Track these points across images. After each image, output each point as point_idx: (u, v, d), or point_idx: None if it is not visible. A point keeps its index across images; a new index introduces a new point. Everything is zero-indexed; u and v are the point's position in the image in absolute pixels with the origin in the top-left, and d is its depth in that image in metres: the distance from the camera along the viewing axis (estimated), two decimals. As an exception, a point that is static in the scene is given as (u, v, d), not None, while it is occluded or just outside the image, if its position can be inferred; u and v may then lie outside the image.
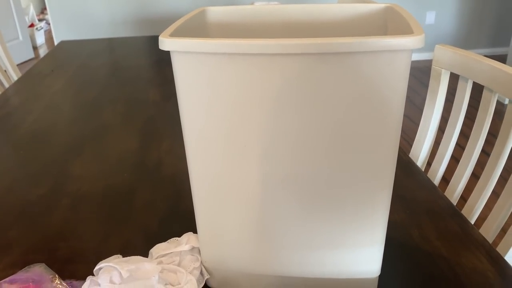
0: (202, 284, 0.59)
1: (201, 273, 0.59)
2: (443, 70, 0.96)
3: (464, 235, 0.72)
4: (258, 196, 0.53)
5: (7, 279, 0.61)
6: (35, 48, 4.89)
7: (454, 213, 0.77)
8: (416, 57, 4.23)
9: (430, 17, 4.11)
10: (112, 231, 0.74)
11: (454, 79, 0.96)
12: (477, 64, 0.86)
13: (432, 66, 0.98)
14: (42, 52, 4.87)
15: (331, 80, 0.45)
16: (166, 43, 0.46)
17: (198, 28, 0.61)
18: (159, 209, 0.80)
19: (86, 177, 0.91)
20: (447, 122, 1.00)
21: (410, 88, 3.55)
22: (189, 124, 0.51)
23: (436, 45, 0.96)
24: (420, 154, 1.05)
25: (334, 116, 0.47)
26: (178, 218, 0.77)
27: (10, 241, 0.72)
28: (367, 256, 0.55)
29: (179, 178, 0.90)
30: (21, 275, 0.62)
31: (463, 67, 0.90)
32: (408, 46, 0.43)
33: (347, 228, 0.53)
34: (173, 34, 0.49)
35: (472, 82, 0.92)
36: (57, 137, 1.09)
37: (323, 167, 0.50)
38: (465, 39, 4.21)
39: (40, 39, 5.05)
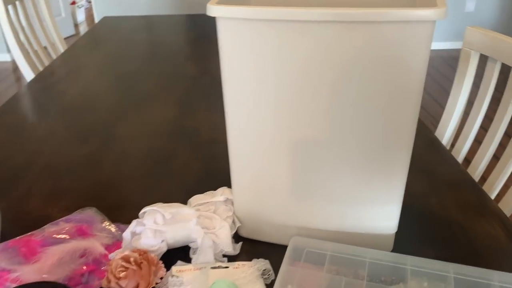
0: (234, 231, 0.65)
1: (233, 221, 0.66)
2: (472, 52, 0.99)
3: (481, 205, 0.76)
4: (289, 153, 0.59)
5: (63, 218, 0.70)
6: (76, 25, 5.05)
7: (474, 186, 0.81)
8: (454, 45, 4.15)
9: (470, 5, 4.02)
10: (153, 185, 0.82)
11: (481, 69, 0.98)
12: (507, 45, 0.88)
13: (462, 47, 1.01)
14: (82, 29, 5.03)
15: (360, 47, 0.50)
16: (213, 9, 0.52)
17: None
18: (195, 168, 0.87)
19: (130, 139, 0.99)
20: (472, 107, 1.03)
21: (444, 76, 3.51)
22: (230, 85, 0.57)
23: (467, 27, 0.99)
24: (445, 134, 1.08)
25: (361, 80, 0.52)
26: (213, 177, 0.83)
27: (63, 189, 0.81)
28: (386, 212, 0.60)
29: (214, 143, 0.96)
30: (75, 215, 0.70)
31: (492, 48, 0.92)
32: (430, 17, 0.48)
33: (368, 184, 0.58)
34: (219, 3, 0.55)
35: (500, 64, 0.95)
36: (102, 104, 1.18)
37: (349, 126, 0.55)
38: (506, 28, 4.10)
39: (80, 16, 5.21)
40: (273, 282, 0.59)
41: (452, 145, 1.35)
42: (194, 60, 1.53)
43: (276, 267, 0.61)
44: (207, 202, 0.67)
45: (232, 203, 0.67)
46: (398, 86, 0.52)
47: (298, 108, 0.55)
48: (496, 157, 1.07)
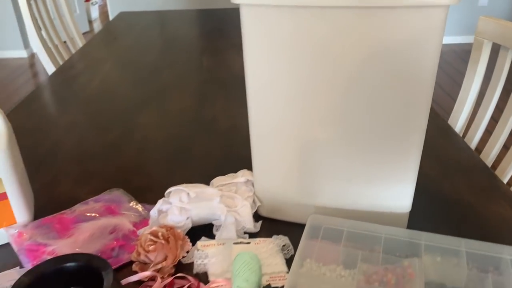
0: (254, 210, 0.68)
1: (254, 201, 0.69)
2: (485, 41, 1.00)
3: (493, 188, 0.78)
4: (308, 135, 0.62)
5: (92, 198, 0.74)
6: (90, 21, 5.12)
7: (486, 170, 0.83)
8: (467, 39, 4.13)
9: (483, -1, 3.99)
10: (175, 170, 0.85)
11: (493, 62, 1.00)
12: (518, 34, 0.90)
13: (475, 37, 1.03)
14: (96, 26, 5.10)
15: (377, 31, 0.53)
16: (237, -3, 0.55)
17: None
18: (215, 154, 0.90)
19: (150, 127, 1.03)
20: (484, 97, 1.05)
21: (456, 70, 3.50)
22: (252, 70, 0.60)
23: (480, 17, 1.00)
24: (457, 123, 1.10)
25: (377, 63, 0.55)
26: (232, 162, 0.87)
27: (89, 173, 0.85)
28: (400, 191, 0.63)
29: (232, 131, 1.00)
30: (103, 196, 0.74)
31: (505, 37, 0.94)
32: (443, 2, 0.50)
33: (384, 164, 0.61)
34: (242, -9, 0.58)
35: (513, 53, 0.96)
36: (121, 94, 1.22)
37: (365, 108, 0.58)
38: (519, 22, 4.07)
39: (94, 13, 5.27)
40: (292, 256, 0.63)
41: (463, 135, 1.37)
42: (209, 53, 1.56)
43: (294, 244, 0.64)
44: (229, 183, 0.71)
45: (253, 184, 0.70)
46: (413, 68, 0.55)
47: (317, 91, 0.58)
48: (506, 147, 1.09)
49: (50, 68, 1.62)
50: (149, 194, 0.78)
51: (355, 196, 0.65)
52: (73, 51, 1.84)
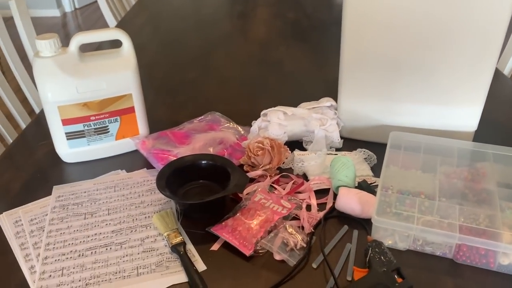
0: (338, 129, 0.79)
1: (337, 123, 0.80)
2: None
3: (543, 120, 0.88)
4: (392, 62, 0.72)
5: (196, 118, 0.85)
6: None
7: (535, 106, 0.93)
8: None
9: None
10: (255, 100, 0.96)
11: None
12: None
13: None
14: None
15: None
16: None
17: None
18: (287, 90, 1.01)
19: (224, 68, 1.13)
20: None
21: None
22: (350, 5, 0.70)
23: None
24: (505, 68, 1.19)
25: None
26: (302, 98, 0.96)
27: (181, 103, 0.97)
28: (470, 112, 0.74)
29: (298, 73, 1.10)
30: (205, 117, 0.86)
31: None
32: None
33: (459, 87, 0.71)
34: None
35: None
36: (189, 41, 1.32)
37: (445, 37, 0.68)
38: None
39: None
40: (375, 165, 0.74)
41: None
42: (263, 5, 1.65)
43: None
44: (315, 107, 0.82)
45: (336, 108, 0.81)
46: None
47: (406, 23, 0.68)
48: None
49: (111, 20, 1.72)
50: (238, 120, 0.89)
51: (429, 116, 0.75)
52: (128, 7, 1.93)
